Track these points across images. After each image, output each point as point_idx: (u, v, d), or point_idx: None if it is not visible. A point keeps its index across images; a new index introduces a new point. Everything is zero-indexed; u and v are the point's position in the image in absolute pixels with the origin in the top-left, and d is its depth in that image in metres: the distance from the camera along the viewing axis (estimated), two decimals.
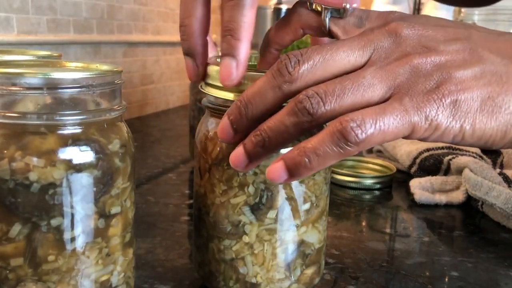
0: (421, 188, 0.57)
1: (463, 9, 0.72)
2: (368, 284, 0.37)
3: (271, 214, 0.30)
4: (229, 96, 0.30)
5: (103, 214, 0.27)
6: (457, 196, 0.55)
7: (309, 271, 0.33)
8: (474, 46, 0.26)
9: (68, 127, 0.25)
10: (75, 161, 0.25)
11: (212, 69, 0.31)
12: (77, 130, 0.26)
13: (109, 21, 0.90)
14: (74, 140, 0.26)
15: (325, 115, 0.25)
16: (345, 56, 0.26)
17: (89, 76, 0.26)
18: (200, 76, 0.32)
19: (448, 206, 0.55)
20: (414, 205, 0.55)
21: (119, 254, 0.28)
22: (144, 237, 0.44)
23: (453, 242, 0.47)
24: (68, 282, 0.26)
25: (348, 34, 0.30)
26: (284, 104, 0.26)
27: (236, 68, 0.29)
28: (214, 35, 0.35)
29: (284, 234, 0.31)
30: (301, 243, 0.32)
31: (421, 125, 0.24)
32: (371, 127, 0.24)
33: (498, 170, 0.53)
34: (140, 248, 0.41)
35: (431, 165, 0.61)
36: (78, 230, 0.26)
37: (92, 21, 0.85)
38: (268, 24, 1.11)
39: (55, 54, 0.40)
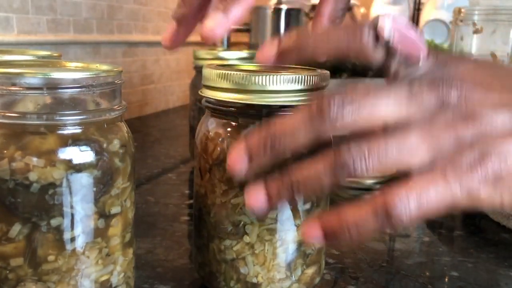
0: None
1: (463, 9, 0.72)
2: (368, 284, 0.37)
3: (272, 214, 0.30)
4: (228, 96, 0.30)
5: (103, 214, 0.27)
6: None
7: (310, 271, 0.33)
8: None
9: (68, 127, 0.25)
10: (75, 161, 0.25)
11: (211, 72, 0.31)
12: (77, 130, 0.26)
13: (109, 21, 0.90)
14: (74, 140, 0.26)
15: (362, 173, 0.24)
16: (390, 107, 0.24)
17: (89, 76, 0.26)
18: (175, 45, 0.31)
19: None
20: None
21: (119, 254, 0.28)
22: (144, 237, 0.43)
23: (453, 242, 0.47)
24: (68, 282, 0.26)
25: (402, 76, 0.27)
26: None
27: (221, 22, 0.28)
28: None
29: (285, 234, 0.31)
30: (302, 243, 0.32)
31: (462, 199, 0.24)
32: (415, 206, 0.23)
33: None
34: (140, 248, 0.41)
35: None
36: (78, 230, 0.26)
37: (92, 21, 0.85)
38: (268, 24, 1.11)
39: (55, 54, 0.40)
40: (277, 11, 1.10)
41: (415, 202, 0.23)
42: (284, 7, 1.10)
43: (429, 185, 0.23)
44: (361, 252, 0.43)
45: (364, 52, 0.27)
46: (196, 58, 0.65)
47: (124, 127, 0.29)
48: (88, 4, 0.83)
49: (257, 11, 1.10)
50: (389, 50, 0.27)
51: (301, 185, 0.24)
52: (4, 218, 0.25)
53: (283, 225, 0.31)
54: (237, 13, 0.29)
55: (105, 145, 0.27)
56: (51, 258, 0.26)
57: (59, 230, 0.25)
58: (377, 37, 0.26)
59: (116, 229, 0.28)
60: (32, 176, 0.24)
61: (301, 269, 0.32)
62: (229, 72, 0.29)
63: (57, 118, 0.25)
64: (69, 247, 0.26)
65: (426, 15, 1.23)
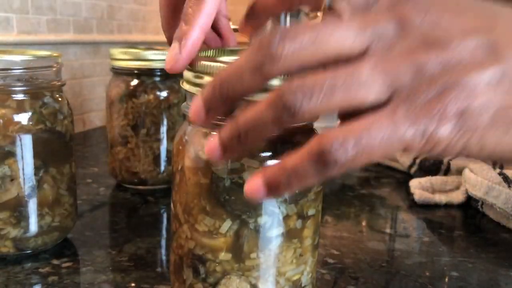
0: (421, 188, 0.57)
1: None
2: (368, 284, 0.37)
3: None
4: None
5: (301, 216, 0.28)
6: (457, 196, 0.55)
7: None
8: (496, 42, 0.22)
9: None
10: None
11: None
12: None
13: (109, 21, 0.90)
14: (272, 143, 0.26)
15: (309, 113, 0.21)
16: (340, 39, 0.22)
17: None
18: (177, 69, 0.29)
19: (448, 206, 0.55)
20: (414, 205, 0.55)
21: (309, 255, 0.29)
22: (144, 237, 0.44)
23: (453, 242, 0.47)
24: (267, 279, 0.27)
25: (353, 13, 0.24)
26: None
27: (179, 53, 0.27)
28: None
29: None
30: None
31: (416, 142, 0.21)
32: (354, 149, 0.20)
33: (498, 170, 0.53)
34: (140, 248, 0.41)
35: (431, 165, 0.61)
36: (279, 229, 0.27)
37: (92, 21, 0.85)
38: (268, 24, 1.10)
39: (55, 54, 0.40)
40: None
41: (353, 145, 0.20)
42: None
43: (372, 125, 0.20)
44: (361, 252, 0.43)
45: None
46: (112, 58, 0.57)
47: None
48: (88, 4, 0.83)
49: None
50: None
51: (245, 124, 0.22)
52: (218, 214, 0.27)
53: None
54: (193, 37, 0.28)
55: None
56: (253, 255, 0.27)
57: (264, 228, 0.27)
58: None
59: (309, 230, 0.28)
60: (246, 175, 0.26)
61: None
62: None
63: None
64: (270, 245, 0.27)
65: None
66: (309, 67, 0.22)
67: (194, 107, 0.24)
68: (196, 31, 0.28)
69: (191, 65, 0.28)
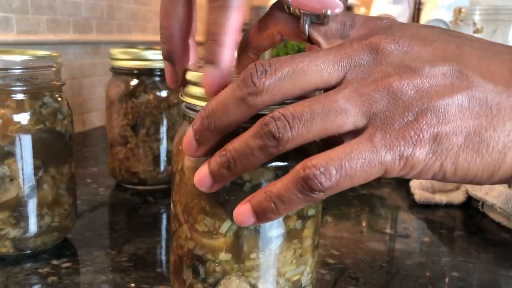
0: (421, 188, 0.57)
1: (463, 9, 0.71)
2: (368, 284, 0.37)
3: None
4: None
5: (301, 216, 0.28)
6: (457, 196, 0.55)
7: None
8: (464, 69, 0.23)
9: None
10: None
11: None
12: None
13: (109, 21, 0.90)
14: None
15: (292, 141, 0.22)
16: (317, 71, 0.23)
17: None
18: (179, 83, 0.29)
19: (448, 206, 0.55)
20: (414, 205, 0.55)
21: (309, 256, 0.29)
22: (144, 237, 0.43)
23: (453, 242, 0.47)
24: (267, 279, 0.27)
25: (330, 42, 0.26)
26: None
27: (219, 77, 0.26)
28: (198, 37, 0.33)
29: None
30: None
31: (394, 165, 0.22)
32: (337, 174, 0.21)
33: None
34: (140, 248, 0.41)
35: None
36: (279, 230, 0.27)
37: (92, 21, 0.85)
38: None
39: (54, 54, 0.40)
40: None
41: (336, 170, 0.21)
42: None
43: (353, 151, 0.22)
44: (361, 252, 0.43)
45: (279, 25, 0.28)
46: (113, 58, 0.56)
47: None
48: (87, 4, 0.83)
49: (257, 11, 1.10)
50: (296, 14, 0.26)
51: (233, 153, 0.23)
52: (217, 214, 0.26)
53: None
54: (228, 57, 0.27)
55: None
56: (253, 255, 0.27)
57: (264, 228, 0.27)
58: (281, 4, 0.26)
59: (309, 231, 0.28)
60: (246, 176, 0.26)
61: None
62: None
63: None
64: (270, 246, 0.27)
65: (426, 15, 1.23)
66: (292, 97, 0.24)
67: (186, 139, 0.25)
68: (231, 52, 0.27)
69: (186, 84, 0.28)
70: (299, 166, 0.22)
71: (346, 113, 0.22)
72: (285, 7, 0.27)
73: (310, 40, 0.27)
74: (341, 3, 0.26)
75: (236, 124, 0.24)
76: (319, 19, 0.26)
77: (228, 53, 0.27)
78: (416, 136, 0.22)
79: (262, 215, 0.23)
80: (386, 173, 0.22)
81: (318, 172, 0.21)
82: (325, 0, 0.26)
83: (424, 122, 0.22)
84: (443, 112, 0.22)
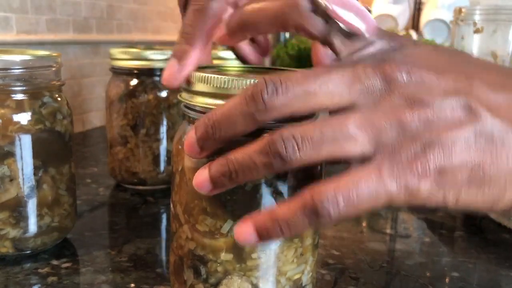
0: None
1: (463, 9, 0.71)
2: (368, 284, 0.37)
3: None
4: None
5: None
6: None
7: None
8: (473, 103, 0.23)
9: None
10: None
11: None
12: None
13: (109, 20, 0.90)
14: None
15: (298, 162, 0.22)
16: (329, 93, 0.23)
17: None
18: (175, 85, 0.29)
19: None
20: None
21: (309, 255, 0.29)
22: (144, 237, 0.43)
23: (453, 242, 0.47)
24: (268, 279, 0.27)
25: (348, 55, 0.25)
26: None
27: (178, 72, 0.28)
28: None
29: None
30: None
31: (400, 196, 0.22)
32: (344, 203, 0.22)
33: None
34: (140, 248, 0.41)
35: None
36: None
37: (92, 20, 0.85)
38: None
39: (54, 54, 0.40)
40: None
41: (343, 199, 0.22)
42: None
43: (361, 180, 0.22)
44: (362, 252, 0.43)
45: (302, 23, 0.25)
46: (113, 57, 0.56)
47: None
48: (87, 3, 0.83)
49: None
50: (328, 20, 0.25)
51: (236, 164, 0.24)
52: (219, 214, 0.27)
53: None
54: (194, 58, 0.29)
55: None
56: (254, 255, 0.27)
57: None
58: (314, 4, 0.25)
59: (310, 230, 0.28)
60: None
61: None
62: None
63: None
64: (271, 245, 0.27)
65: (426, 14, 1.23)
66: (300, 114, 0.24)
67: (188, 142, 0.25)
68: (196, 51, 0.29)
69: (187, 84, 0.28)
70: (307, 193, 0.22)
71: (356, 139, 0.23)
72: (311, 6, 0.25)
73: (325, 43, 0.26)
74: (375, 23, 0.25)
75: (240, 135, 0.24)
76: (349, 35, 0.25)
77: (194, 54, 0.29)
78: (422, 169, 0.22)
79: (265, 236, 0.23)
80: (390, 202, 0.22)
81: (326, 201, 0.22)
82: (364, 17, 0.25)
83: (431, 155, 0.22)
84: (450, 146, 0.22)
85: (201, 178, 0.25)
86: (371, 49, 0.25)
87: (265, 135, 0.23)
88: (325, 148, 0.22)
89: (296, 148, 0.22)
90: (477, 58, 0.25)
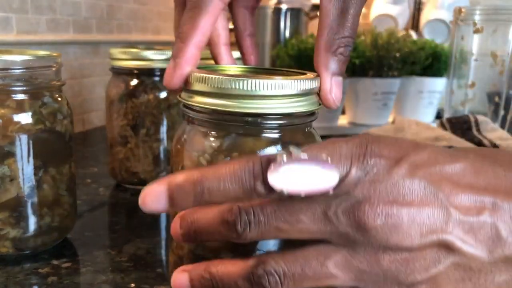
0: None
1: (463, 9, 0.71)
2: None
3: None
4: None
5: None
6: None
7: None
8: (449, 239, 0.23)
9: (272, 132, 0.28)
10: None
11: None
12: (274, 135, 0.28)
13: (109, 20, 0.90)
14: (273, 143, 0.28)
15: None
16: (299, 231, 0.23)
17: None
18: (174, 85, 0.29)
19: None
20: None
21: None
22: (144, 237, 0.43)
23: None
24: None
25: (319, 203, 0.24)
26: None
27: (173, 69, 0.29)
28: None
29: None
30: None
31: None
32: None
33: None
34: (140, 248, 0.41)
35: None
36: None
37: (92, 20, 0.85)
38: (268, 24, 1.10)
39: (54, 54, 0.40)
40: (277, 10, 1.10)
41: None
42: (284, 6, 1.10)
43: None
44: None
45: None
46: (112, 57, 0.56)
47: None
48: (87, 3, 0.83)
49: (257, 11, 1.10)
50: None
51: (219, 283, 0.24)
52: None
53: None
54: (188, 55, 0.29)
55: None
56: (254, 255, 0.27)
57: None
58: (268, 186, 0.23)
59: None
60: None
61: None
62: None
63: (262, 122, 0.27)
64: (270, 245, 0.27)
65: (426, 14, 1.23)
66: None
67: (174, 230, 0.25)
68: (190, 48, 0.30)
69: (186, 84, 0.29)
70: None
71: (336, 278, 0.23)
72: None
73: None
74: (337, 174, 0.23)
75: (218, 240, 0.25)
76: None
77: (190, 52, 0.29)
78: None
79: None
80: None
81: None
82: (324, 173, 0.22)
83: None
84: (433, 283, 0.23)
85: (181, 281, 0.25)
86: (346, 183, 0.23)
87: (249, 260, 0.24)
88: (306, 283, 0.23)
89: (279, 283, 0.23)
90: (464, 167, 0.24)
